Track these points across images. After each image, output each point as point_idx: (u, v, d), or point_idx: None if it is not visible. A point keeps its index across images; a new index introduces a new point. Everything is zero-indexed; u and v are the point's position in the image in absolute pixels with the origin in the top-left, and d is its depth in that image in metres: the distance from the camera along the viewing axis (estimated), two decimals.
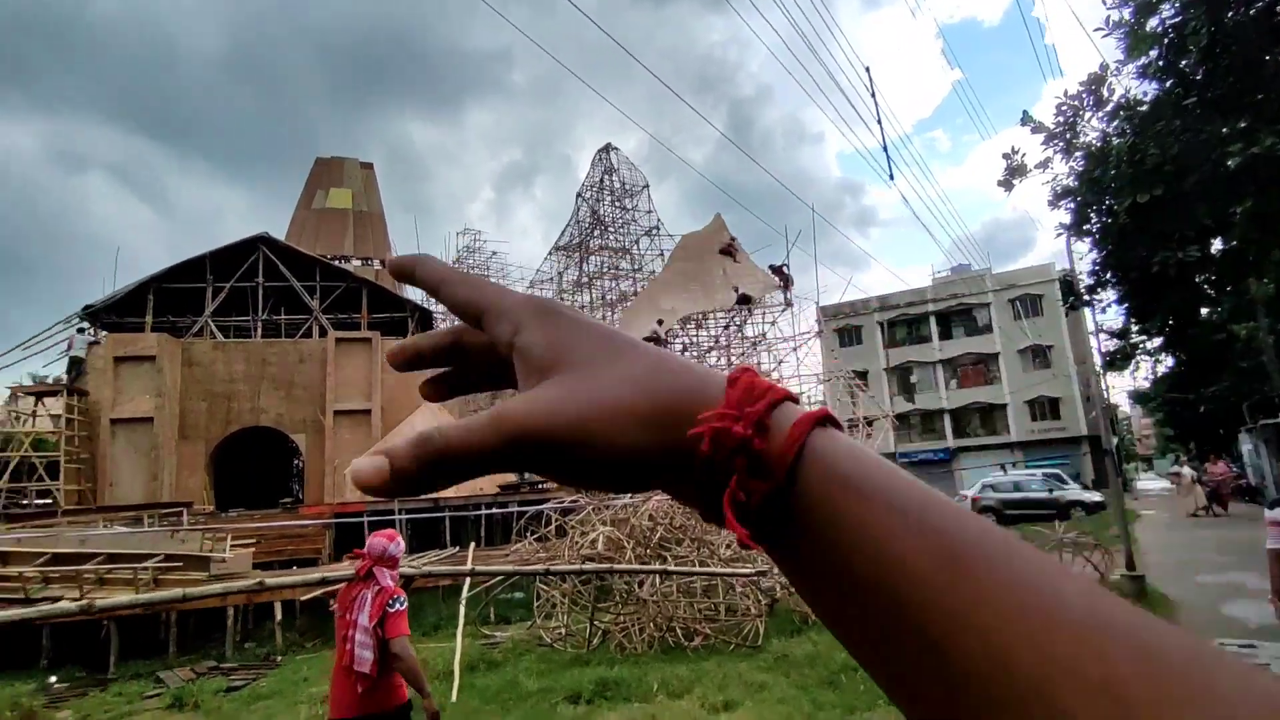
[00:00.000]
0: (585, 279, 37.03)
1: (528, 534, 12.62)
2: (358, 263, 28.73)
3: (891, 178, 13.68)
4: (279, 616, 10.72)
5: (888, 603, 0.23)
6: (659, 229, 37.14)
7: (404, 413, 20.20)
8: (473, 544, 12.68)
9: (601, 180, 38.36)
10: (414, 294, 33.14)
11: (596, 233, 37.35)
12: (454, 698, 7.11)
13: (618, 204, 37.91)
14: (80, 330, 20.96)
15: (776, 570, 9.81)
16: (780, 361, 23.10)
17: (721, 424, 0.26)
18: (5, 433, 19.40)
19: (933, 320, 42.54)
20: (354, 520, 15.95)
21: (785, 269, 23.36)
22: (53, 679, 9.31)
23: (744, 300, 23.04)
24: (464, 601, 9.53)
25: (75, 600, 10.24)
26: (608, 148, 38.83)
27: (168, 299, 22.05)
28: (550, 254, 39.36)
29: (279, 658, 9.99)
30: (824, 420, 0.27)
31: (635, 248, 37.39)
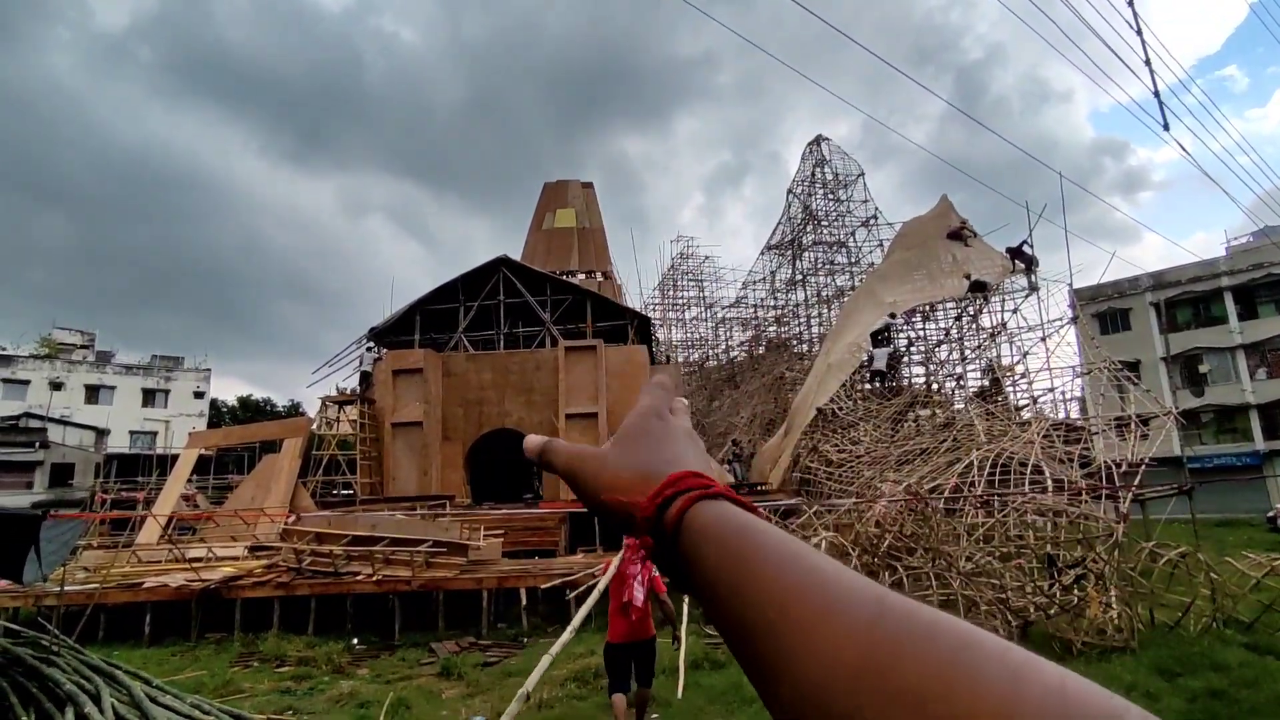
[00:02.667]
0: (799, 276, 36.12)
1: None
2: (582, 276, 30.79)
3: (1166, 127, 11.36)
4: (524, 602, 11.79)
5: (713, 596, 0.38)
6: (877, 218, 35.06)
7: (627, 414, 21.18)
8: None
9: (813, 173, 37.17)
10: (634, 302, 34.84)
11: (809, 228, 36.25)
12: (679, 694, 7.26)
13: (831, 196, 36.46)
14: (368, 349, 24.96)
15: (1030, 589, 8.70)
16: (1025, 353, 20.56)
17: (644, 503, 0.45)
18: (319, 435, 23.71)
19: (1229, 297, 35.10)
20: (586, 514, 17.04)
21: (1027, 247, 20.74)
22: (355, 641, 11.13)
23: (977, 287, 20.83)
24: (687, 599, 9.74)
25: (369, 576, 12.18)
26: (818, 139, 37.54)
27: (430, 318, 25.45)
28: (762, 253, 38.97)
29: (525, 639, 10.97)
30: (714, 496, 0.44)
31: (851, 240, 35.68)
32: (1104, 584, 8.52)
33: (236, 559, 14.34)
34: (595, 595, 5.56)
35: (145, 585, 12.12)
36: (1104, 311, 37.89)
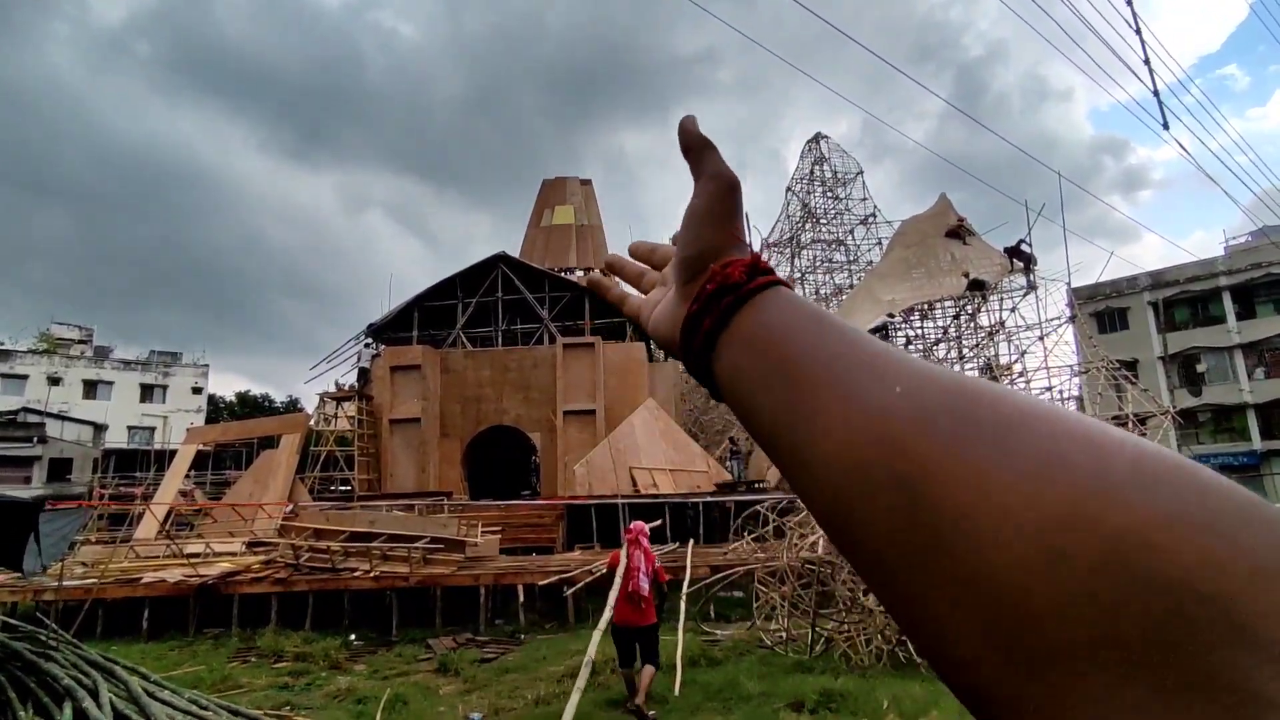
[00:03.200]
0: (797, 274, 36.14)
1: (745, 533, 12.59)
2: (580, 273, 30.79)
3: (1166, 126, 11.34)
4: (521, 599, 11.81)
5: (778, 367, 0.35)
6: (875, 216, 35.08)
7: (625, 412, 21.23)
8: (691, 541, 12.96)
9: (811, 171, 37.17)
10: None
11: (807, 226, 36.27)
12: (677, 691, 7.29)
13: (829, 194, 36.47)
14: (366, 345, 24.97)
15: None
16: (1023, 352, 20.60)
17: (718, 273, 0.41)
18: (317, 431, 23.71)
19: (1227, 296, 35.11)
20: (583, 507, 17.06)
21: (1025, 246, 20.77)
22: (352, 637, 11.14)
23: (976, 286, 20.87)
24: (685, 596, 9.76)
25: (366, 572, 12.20)
26: (817, 137, 37.54)
27: (428, 315, 25.45)
28: (761, 251, 38.86)
29: (523, 636, 10.99)
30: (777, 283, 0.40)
31: (850, 238, 35.70)
32: None
33: (234, 555, 14.34)
34: (616, 587, 6.34)
35: (143, 581, 12.13)
36: (1102, 310, 37.90)
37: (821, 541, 8.96)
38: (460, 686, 8.32)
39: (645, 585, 6.27)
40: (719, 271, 0.41)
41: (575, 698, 5.33)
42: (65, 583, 11.24)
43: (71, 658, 7.34)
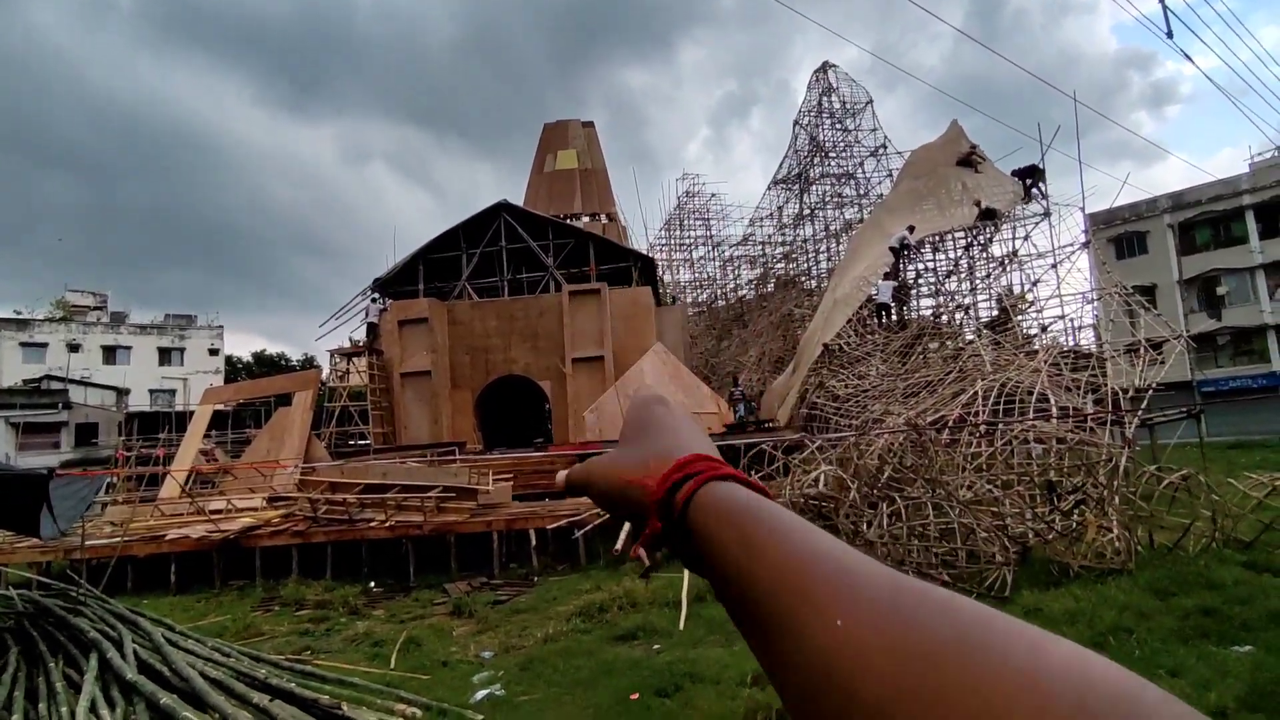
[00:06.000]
0: (807, 211, 35.45)
1: (752, 471, 12.70)
2: (586, 219, 30.39)
3: (1170, 35, 10.51)
4: (534, 542, 12.08)
5: (724, 576, 0.39)
6: (885, 148, 34.12)
7: (633, 357, 21.25)
8: None
9: (819, 102, 36.03)
10: (639, 243, 34.39)
11: (816, 160, 35.37)
12: (681, 625, 7.47)
13: (838, 126, 35.43)
14: (374, 300, 24.98)
15: (1029, 515, 8.76)
16: (1035, 281, 20.20)
17: (654, 485, 0.46)
18: (331, 387, 24.00)
19: (1250, 216, 34.06)
20: (594, 454, 17.24)
21: (1039, 169, 20.14)
22: (371, 584, 11.49)
23: (988, 215, 20.31)
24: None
25: (382, 522, 12.49)
26: (824, 66, 36.23)
27: (433, 267, 25.34)
28: (769, 189, 38.19)
29: (535, 578, 11.28)
30: (723, 477, 0.45)
31: (859, 171, 34.83)
32: (1103, 509, 8.56)
33: (255, 510, 14.73)
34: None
35: (168, 537, 12.52)
36: (1120, 235, 36.96)
37: (823, 478, 9.01)
38: (473, 627, 8.59)
39: None
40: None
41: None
42: (92, 541, 11.62)
43: (100, 612, 7.64)
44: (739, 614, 0.36)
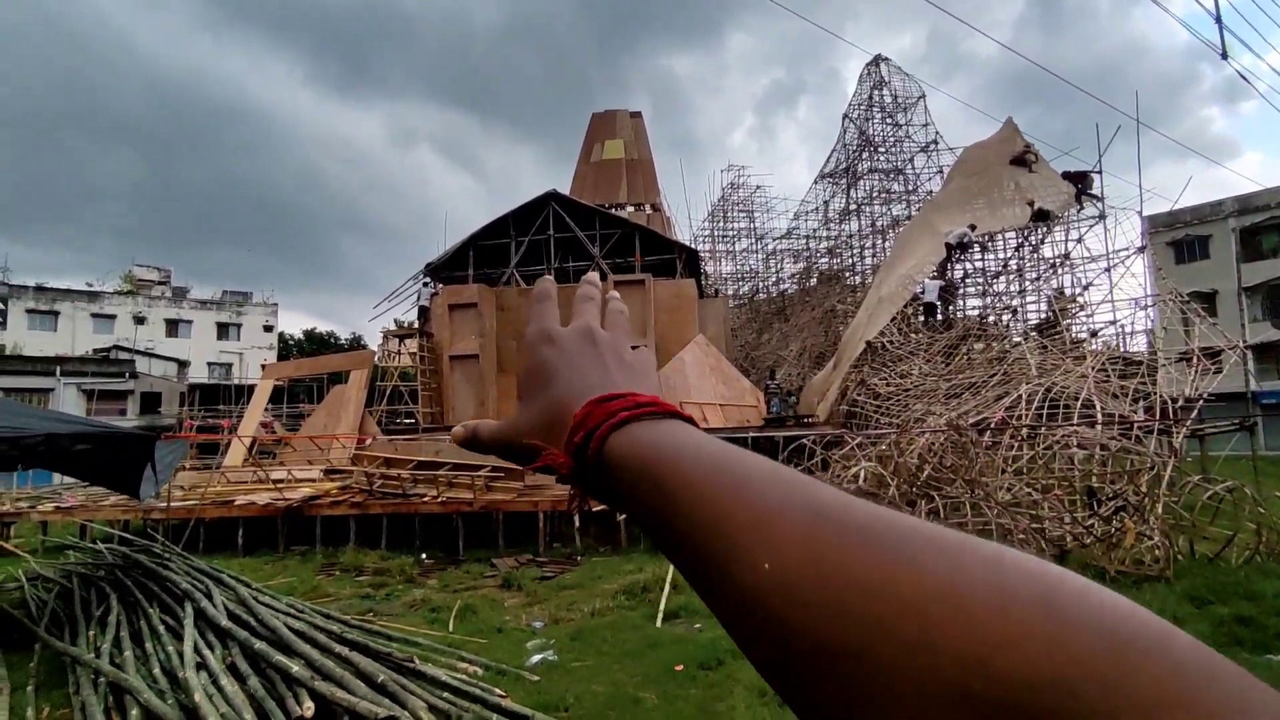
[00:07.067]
0: (853, 206, 35.17)
1: (792, 466, 12.95)
2: (631, 209, 30.71)
3: (1225, 56, 10.00)
4: (578, 524, 12.56)
5: (647, 527, 0.38)
6: (937, 143, 33.59)
7: (675, 348, 21.58)
8: None
9: (870, 96, 35.61)
10: (682, 234, 34.59)
11: (865, 155, 35.03)
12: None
13: (889, 120, 34.99)
14: (425, 284, 25.76)
15: (1068, 520, 8.86)
16: (1087, 286, 19.88)
17: (560, 456, 0.43)
18: (381, 367, 24.89)
19: None
20: None
21: (1089, 175, 19.76)
22: (424, 556, 12.12)
23: (1040, 216, 20.03)
24: None
25: (434, 498, 13.11)
26: (877, 60, 35.79)
27: (482, 254, 26.00)
28: (815, 182, 37.96)
29: (579, 557, 11.75)
30: (630, 419, 0.41)
31: (909, 167, 34.39)
32: (1142, 516, 8.63)
33: (313, 481, 15.54)
34: None
35: (236, 503, 13.34)
36: (1181, 239, 35.83)
37: (863, 474, 9.25)
38: (522, 600, 9.09)
39: None
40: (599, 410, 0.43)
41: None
42: (174, 504, 12.49)
43: (183, 567, 8.34)
44: (670, 558, 0.36)
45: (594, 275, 0.63)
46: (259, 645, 5.52)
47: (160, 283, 51.66)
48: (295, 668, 5.01)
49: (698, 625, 7.26)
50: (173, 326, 47.61)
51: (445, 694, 5.24)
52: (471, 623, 7.84)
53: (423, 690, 5.14)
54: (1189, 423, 11.86)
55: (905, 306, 19.55)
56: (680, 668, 5.97)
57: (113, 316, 45.57)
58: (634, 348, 0.56)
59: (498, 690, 5.38)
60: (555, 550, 12.38)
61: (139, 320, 45.90)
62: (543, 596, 9.15)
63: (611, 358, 0.51)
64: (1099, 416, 11.33)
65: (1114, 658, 0.22)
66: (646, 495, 0.37)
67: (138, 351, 41.41)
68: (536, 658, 6.40)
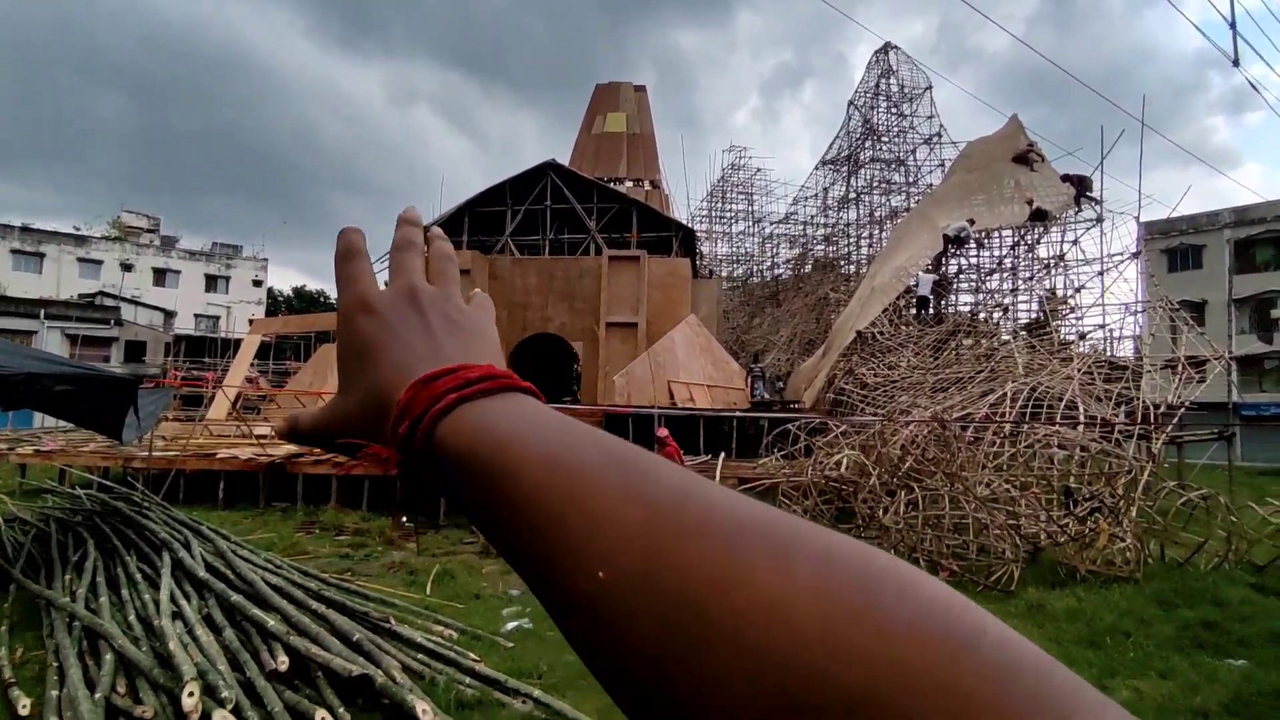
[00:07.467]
0: (853, 194, 35.06)
1: (774, 450, 13.04)
2: (630, 184, 30.46)
3: (1236, 64, 10.01)
4: None
5: (481, 526, 0.34)
6: (940, 136, 33.44)
7: (666, 326, 21.56)
8: (723, 454, 13.49)
9: (877, 85, 35.34)
10: (680, 212, 34.39)
11: (868, 143, 34.85)
12: None
13: (894, 110, 34.76)
14: None
15: (1043, 517, 9.00)
16: (1080, 288, 19.98)
17: (384, 452, 0.39)
18: None
19: None
20: (620, 417, 17.70)
21: (1088, 179, 19.78)
22: (405, 519, 12.14)
23: (1038, 216, 20.04)
24: None
25: None
26: (885, 48, 35.45)
27: (478, 220, 25.76)
28: (816, 168, 37.77)
29: None
30: (478, 394, 0.37)
31: (911, 158, 34.27)
32: (1117, 518, 8.78)
33: None
34: None
35: (218, 456, 13.29)
36: (1175, 247, 36.03)
37: (845, 461, 9.32)
38: (500, 567, 9.12)
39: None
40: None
41: None
42: (153, 454, 12.42)
43: (163, 517, 8.31)
44: (505, 558, 0.33)
45: (414, 211, 0.53)
46: (236, 598, 5.52)
47: (149, 230, 50.89)
48: (271, 622, 5.02)
49: None
50: (160, 275, 47.00)
51: (420, 655, 5.28)
52: (449, 587, 7.89)
53: (398, 650, 5.18)
54: (1169, 429, 12.02)
55: (898, 298, 19.59)
56: None
57: (99, 262, 44.91)
58: (468, 299, 0.50)
59: (472, 655, 5.43)
60: None
61: (126, 267, 45.27)
62: None
63: (439, 321, 0.45)
64: (1081, 418, 11.47)
65: (924, 665, 0.22)
66: (478, 492, 0.33)
67: (124, 299, 40.89)
68: (512, 625, 6.45)
